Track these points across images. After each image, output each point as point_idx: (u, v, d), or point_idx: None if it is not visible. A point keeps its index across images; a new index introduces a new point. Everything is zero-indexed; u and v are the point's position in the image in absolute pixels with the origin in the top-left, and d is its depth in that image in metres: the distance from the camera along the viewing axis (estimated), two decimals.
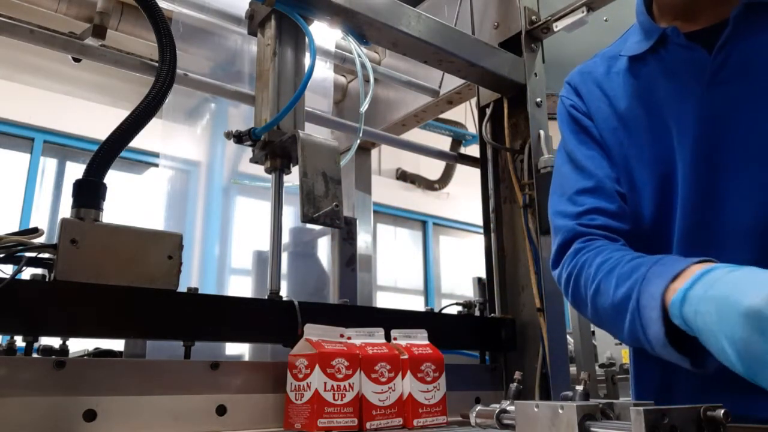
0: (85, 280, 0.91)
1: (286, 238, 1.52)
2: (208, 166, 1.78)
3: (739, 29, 0.94)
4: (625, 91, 1.06)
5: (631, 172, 1.03)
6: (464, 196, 5.71)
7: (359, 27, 1.33)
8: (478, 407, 0.84)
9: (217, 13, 1.62)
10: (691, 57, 0.98)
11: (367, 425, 0.98)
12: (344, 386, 0.96)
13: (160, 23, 1.19)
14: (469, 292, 1.87)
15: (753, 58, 0.92)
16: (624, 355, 2.98)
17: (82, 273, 0.91)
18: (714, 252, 0.84)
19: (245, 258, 1.67)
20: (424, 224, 6.53)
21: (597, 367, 2.83)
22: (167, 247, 1.00)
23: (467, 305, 1.50)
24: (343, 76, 2.43)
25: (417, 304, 5.98)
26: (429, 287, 6.33)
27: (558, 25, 1.59)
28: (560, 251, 1.00)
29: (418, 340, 1.13)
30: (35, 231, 0.93)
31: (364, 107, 1.31)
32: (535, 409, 0.70)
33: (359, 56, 1.31)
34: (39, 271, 0.93)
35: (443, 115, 2.39)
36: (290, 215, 1.60)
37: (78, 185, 0.99)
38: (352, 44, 1.33)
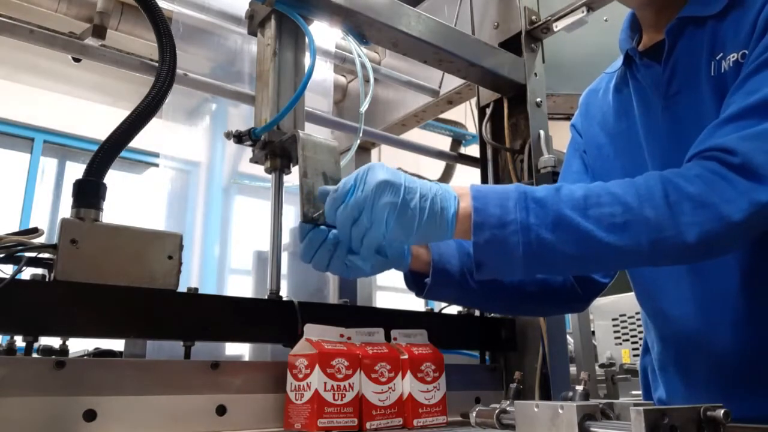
0: (85, 280, 0.91)
1: (286, 238, 1.52)
2: (208, 166, 1.79)
3: (678, 42, 0.99)
4: (612, 108, 1.13)
5: None
6: None
7: (359, 27, 1.33)
8: (478, 407, 0.84)
9: (217, 13, 1.62)
10: (650, 72, 1.04)
11: (367, 425, 0.98)
12: (344, 386, 0.96)
13: (160, 23, 1.19)
14: None
15: (694, 68, 0.96)
16: (624, 354, 2.98)
17: (82, 273, 0.91)
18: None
19: (245, 258, 1.67)
20: None
21: (597, 367, 2.83)
22: (167, 247, 1.00)
23: None
24: (343, 76, 2.43)
25: (417, 304, 5.98)
26: None
27: (558, 25, 1.59)
28: None
29: (418, 340, 1.13)
30: (35, 231, 0.93)
31: (364, 107, 1.31)
32: (535, 409, 0.70)
33: (359, 56, 1.31)
34: (39, 271, 0.92)
35: (443, 115, 2.39)
36: (290, 215, 1.60)
37: (78, 185, 0.99)
38: (352, 44, 1.33)
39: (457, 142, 3.21)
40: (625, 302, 2.96)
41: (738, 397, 0.91)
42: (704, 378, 0.98)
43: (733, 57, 0.90)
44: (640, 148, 1.05)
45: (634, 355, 2.93)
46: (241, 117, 1.72)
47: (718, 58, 0.92)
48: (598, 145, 1.15)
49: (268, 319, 1.08)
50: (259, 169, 1.25)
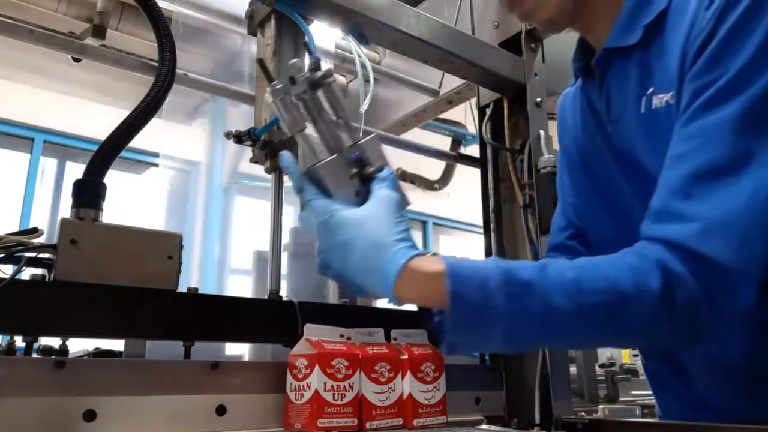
0: (85, 280, 0.91)
1: (286, 238, 1.52)
2: (208, 166, 1.79)
3: (607, 72, 0.95)
4: (579, 116, 1.10)
5: (587, 201, 1.11)
6: (464, 196, 5.71)
7: (359, 27, 1.33)
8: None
9: (217, 13, 1.62)
10: (595, 93, 1.01)
11: (367, 425, 0.98)
12: (344, 386, 0.96)
13: (160, 23, 1.19)
14: None
15: (625, 102, 0.92)
16: (624, 355, 2.98)
17: (82, 273, 0.91)
18: None
19: (245, 258, 1.67)
20: (424, 224, 6.53)
21: (597, 367, 2.83)
22: (167, 247, 1.00)
23: None
24: (343, 76, 2.43)
25: None
26: None
27: None
28: None
29: (418, 340, 1.13)
30: (35, 231, 0.93)
31: (364, 107, 1.31)
32: None
33: (359, 56, 1.31)
34: (39, 271, 0.92)
35: (443, 115, 2.40)
36: (290, 215, 1.60)
37: (78, 185, 0.99)
38: (352, 44, 1.33)
39: (457, 142, 3.22)
40: None
41: (741, 399, 0.90)
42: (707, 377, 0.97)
43: (665, 97, 0.84)
44: (601, 162, 1.04)
45: (634, 355, 2.92)
46: (241, 117, 1.72)
47: (648, 93, 0.87)
48: (569, 154, 1.14)
49: (268, 319, 1.08)
50: (259, 169, 1.25)
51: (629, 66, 0.91)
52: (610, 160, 1.00)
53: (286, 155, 0.90)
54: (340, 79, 2.42)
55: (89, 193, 0.98)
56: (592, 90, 1.00)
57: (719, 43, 0.75)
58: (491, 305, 0.73)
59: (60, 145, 4.40)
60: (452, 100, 2.12)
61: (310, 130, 0.88)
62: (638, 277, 0.73)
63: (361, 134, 1.39)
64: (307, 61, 0.91)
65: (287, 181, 1.22)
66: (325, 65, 0.89)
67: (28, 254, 0.89)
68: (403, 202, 0.88)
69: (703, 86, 0.76)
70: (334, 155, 0.86)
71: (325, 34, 1.80)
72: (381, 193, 0.84)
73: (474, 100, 1.85)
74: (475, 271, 0.75)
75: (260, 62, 0.93)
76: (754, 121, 0.73)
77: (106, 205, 1.00)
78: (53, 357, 0.94)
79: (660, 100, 0.84)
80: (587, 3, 0.95)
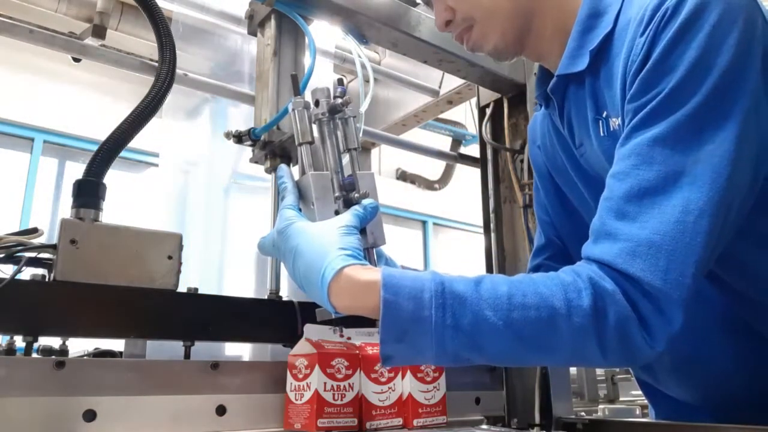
0: (85, 280, 0.91)
1: None
2: (208, 166, 1.78)
3: (565, 99, 0.96)
4: (546, 144, 1.11)
5: (563, 220, 1.13)
6: (464, 196, 5.72)
7: (359, 27, 1.33)
8: None
9: (217, 13, 1.62)
10: (558, 119, 1.01)
11: (367, 425, 0.98)
12: (344, 386, 0.96)
13: (160, 23, 1.19)
14: None
15: (585, 127, 0.93)
16: None
17: (82, 273, 0.91)
18: None
19: (245, 258, 1.67)
20: (424, 224, 6.54)
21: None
22: (167, 247, 1.00)
23: None
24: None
25: None
26: None
27: None
28: None
29: None
30: (35, 231, 0.93)
31: (364, 107, 1.31)
32: None
33: (359, 56, 1.31)
34: (39, 271, 0.92)
35: (443, 115, 2.40)
36: None
37: (78, 185, 0.99)
38: (352, 44, 1.33)
39: (457, 142, 3.22)
40: None
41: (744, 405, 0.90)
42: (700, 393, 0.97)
43: (618, 120, 0.84)
44: (571, 183, 1.04)
45: None
46: (241, 117, 1.72)
47: (604, 116, 0.88)
48: (542, 175, 1.15)
49: (268, 319, 1.08)
50: (259, 169, 1.25)
51: (584, 91, 0.91)
52: (580, 182, 1.01)
53: (283, 167, 0.96)
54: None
55: (89, 193, 0.98)
56: (554, 115, 1.01)
57: (652, 66, 0.76)
58: (423, 316, 0.72)
59: (60, 145, 4.41)
60: (452, 100, 2.12)
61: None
62: (570, 294, 0.72)
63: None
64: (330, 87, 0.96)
65: None
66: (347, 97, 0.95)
67: (28, 254, 0.90)
68: (377, 236, 0.90)
69: (638, 107, 0.77)
70: (329, 171, 0.91)
71: (325, 34, 1.80)
72: (346, 212, 0.86)
73: (474, 100, 1.86)
74: (410, 281, 0.74)
75: (293, 78, 0.96)
76: (684, 140, 0.73)
77: (106, 205, 1.00)
78: (53, 357, 0.94)
79: (614, 123, 0.85)
80: (533, 33, 0.96)
